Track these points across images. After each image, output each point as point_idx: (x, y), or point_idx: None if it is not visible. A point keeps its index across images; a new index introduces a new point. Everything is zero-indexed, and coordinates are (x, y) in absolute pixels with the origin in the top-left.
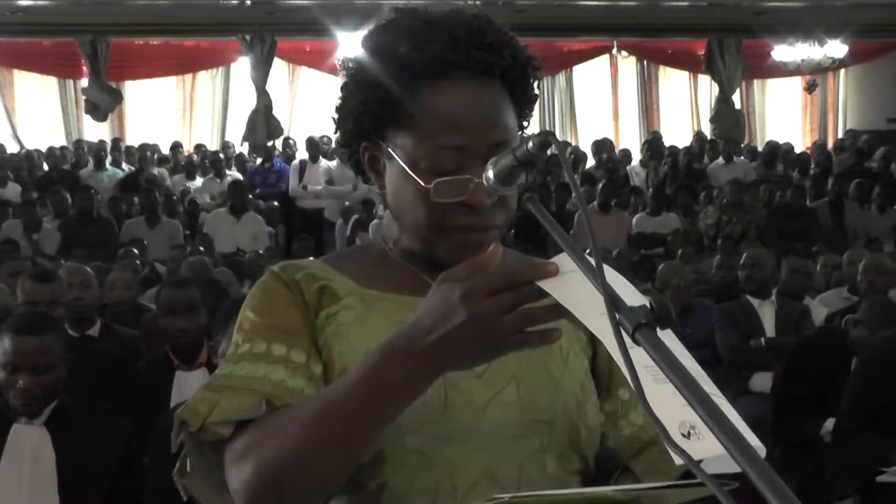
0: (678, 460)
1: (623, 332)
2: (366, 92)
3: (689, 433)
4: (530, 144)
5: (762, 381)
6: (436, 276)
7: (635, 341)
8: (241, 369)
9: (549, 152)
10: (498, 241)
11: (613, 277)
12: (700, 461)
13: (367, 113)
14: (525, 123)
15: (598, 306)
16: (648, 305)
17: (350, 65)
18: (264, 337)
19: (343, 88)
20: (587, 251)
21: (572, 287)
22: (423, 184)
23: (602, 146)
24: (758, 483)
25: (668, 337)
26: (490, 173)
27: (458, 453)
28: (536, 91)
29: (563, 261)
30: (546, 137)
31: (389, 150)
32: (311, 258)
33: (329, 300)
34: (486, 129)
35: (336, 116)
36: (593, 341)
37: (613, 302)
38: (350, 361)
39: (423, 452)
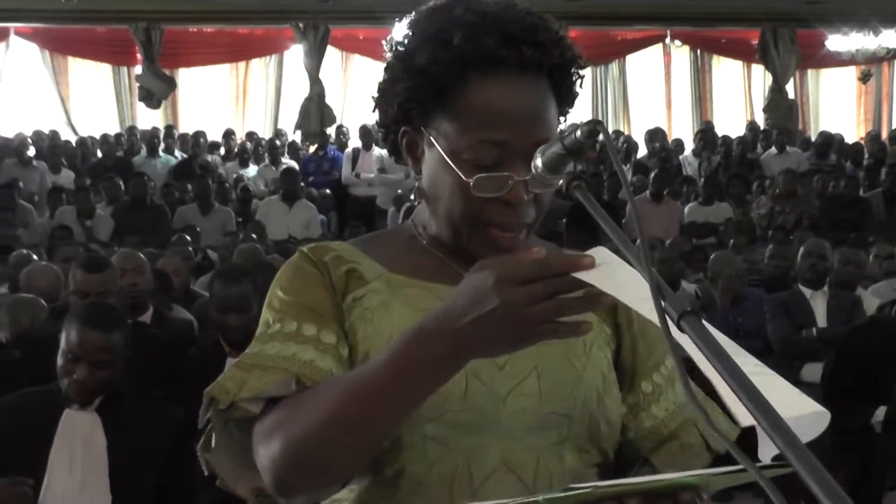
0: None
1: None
2: (414, 78)
3: None
4: (579, 133)
5: (813, 372)
6: (463, 265)
7: (680, 329)
8: (272, 348)
9: (598, 140)
10: (541, 248)
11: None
12: (740, 442)
13: (412, 99)
14: (563, 119)
15: (643, 293)
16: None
17: (398, 48)
18: (294, 316)
19: (388, 69)
20: (636, 241)
21: (615, 276)
22: (463, 177)
23: (655, 135)
24: (800, 471)
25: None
26: (538, 161)
27: (476, 442)
28: (579, 89)
29: (601, 254)
30: (594, 126)
31: (431, 137)
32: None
33: (356, 283)
34: (530, 126)
35: (378, 96)
36: (618, 335)
37: (659, 289)
38: (373, 346)
39: (442, 440)
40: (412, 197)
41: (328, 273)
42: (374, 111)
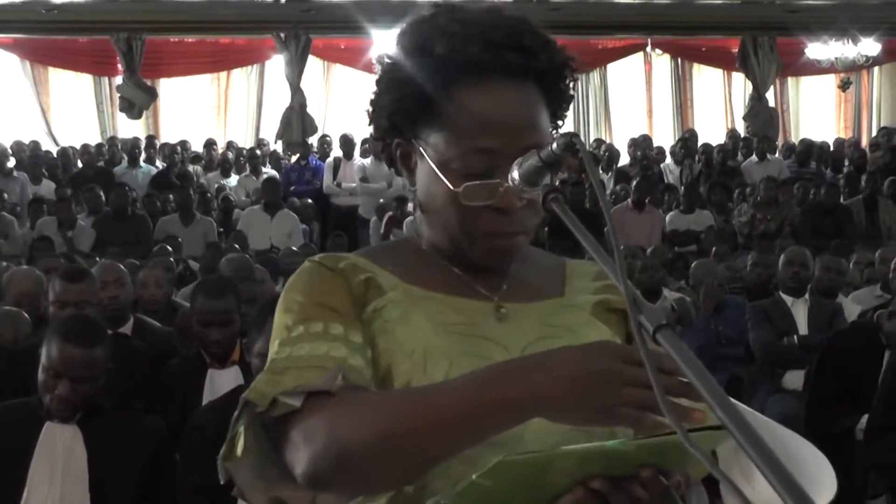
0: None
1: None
2: (400, 89)
3: None
4: (555, 146)
5: (796, 380)
6: (476, 276)
7: (656, 342)
8: (300, 350)
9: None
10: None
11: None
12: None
13: (400, 111)
14: (559, 123)
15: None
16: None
17: (386, 61)
18: (318, 317)
19: (378, 83)
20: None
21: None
22: (452, 187)
23: (639, 144)
24: (770, 479)
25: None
26: (515, 174)
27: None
28: (572, 92)
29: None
30: (570, 139)
31: (421, 149)
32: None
33: (375, 293)
34: (519, 132)
35: (370, 111)
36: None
37: (635, 302)
38: (395, 360)
39: (466, 457)
40: (410, 208)
41: (345, 279)
42: (369, 125)
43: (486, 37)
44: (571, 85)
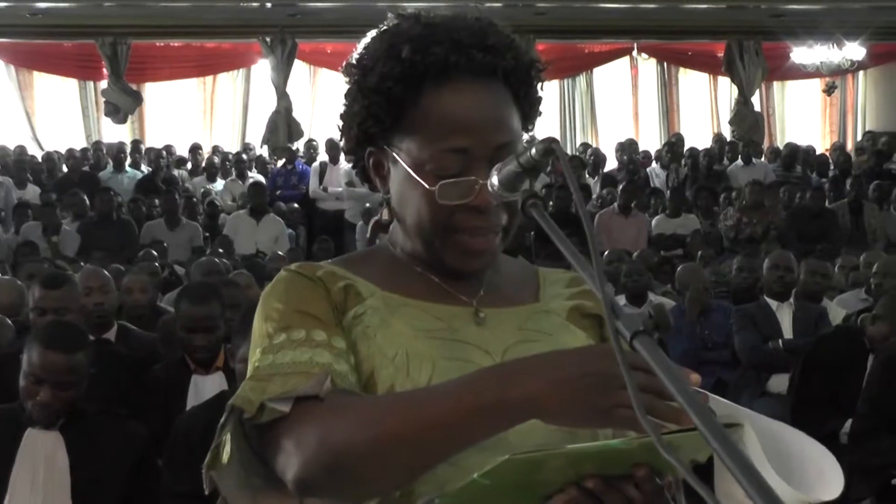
0: None
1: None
2: (369, 96)
3: None
4: (534, 151)
5: (781, 383)
6: (453, 283)
7: (633, 348)
8: (284, 356)
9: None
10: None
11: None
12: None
13: (371, 118)
14: (530, 126)
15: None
16: (647, 314)
17: (353, 70)
18: (300, 324)
19: (347, 95)
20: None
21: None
22: (427, 186)
23: (626, 148)
24: (741, 480)
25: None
26: (495, 180)
27: (484, 459)
28: (541, 93)
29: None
30: (549, 144)
31: (394, 154)
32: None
33: (354, 300)
34: (490, 130)
35: (341, 123)
36: None
37: (612, 308)
38: (377, 365)
39: (452, 460)
40: (380, 216)
41: (324, 287)
42: (340, 139)
43: (451, 37)
44: (540, 86)
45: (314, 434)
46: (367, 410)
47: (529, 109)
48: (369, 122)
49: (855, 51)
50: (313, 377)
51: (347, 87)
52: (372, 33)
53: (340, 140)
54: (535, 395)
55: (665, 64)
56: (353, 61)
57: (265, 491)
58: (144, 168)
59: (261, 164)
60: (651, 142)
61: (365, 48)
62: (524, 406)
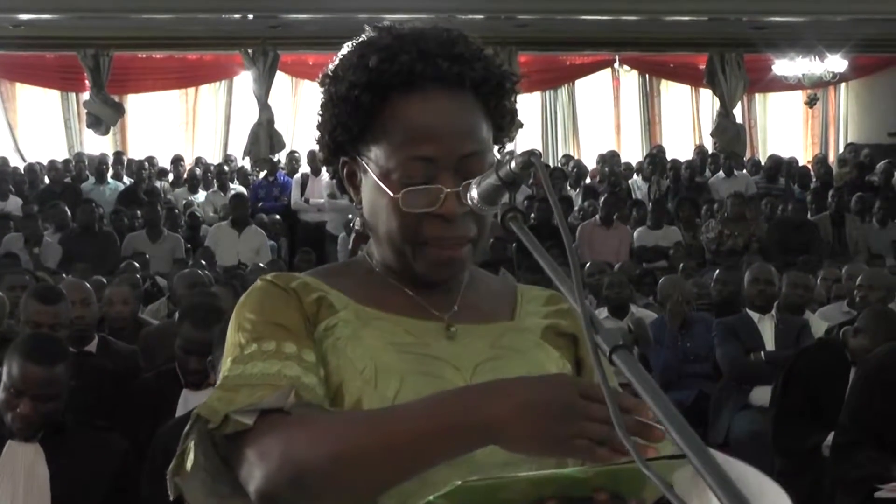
0: None
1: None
2: (339, 105)
3: None
4: (513, 164)
5: (762, 396)
6: (426, 296)
7: (612, 362)
8: (254, 368)
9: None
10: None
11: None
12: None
13: (339, 126)
14: (508, 138)
15: None
16: (627, 328)
17: (326, 80)
18: (271, 336)
19: (321, 106)
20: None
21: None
22: (392, 195)
23: (607, 159)
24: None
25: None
26: (474, 192)
27: (450, 476)
28: (516, 105)
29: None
30: (529, 157)
31: (364, 163)
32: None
33: (326, 311)
34: (456, 140)
35: (317, 134)
36: (578, 371)
37: (592, 322)
38: (346, 378)
39: (419, 476)
40: (351, 226)
41: (297, 298)
42: (319, 152)
43: (418, 46)
44: (514, 98)
45: (277, 448)
46: (330, 426)
47: (502, 121)
48: (338, 131)
49: (837, 63)
50: (279, 390)
51: (321, 97)
52: (347, 45)
53: (319, 152)
54: (495, 420)
55: (647, 76)
56: (329, 72)
57: (232, 498)
58: (126, 179)
59: (242, 175)
60: (633, 153)
61: (339, 59)
62: (484, 431)
